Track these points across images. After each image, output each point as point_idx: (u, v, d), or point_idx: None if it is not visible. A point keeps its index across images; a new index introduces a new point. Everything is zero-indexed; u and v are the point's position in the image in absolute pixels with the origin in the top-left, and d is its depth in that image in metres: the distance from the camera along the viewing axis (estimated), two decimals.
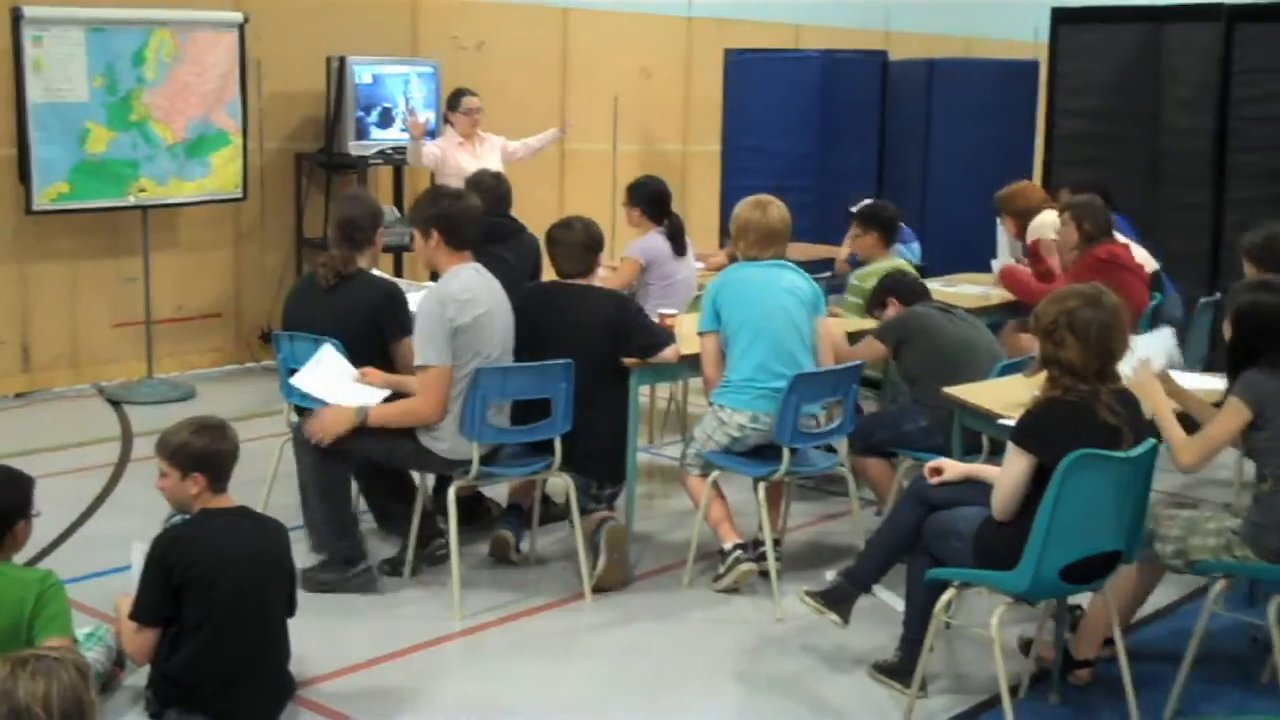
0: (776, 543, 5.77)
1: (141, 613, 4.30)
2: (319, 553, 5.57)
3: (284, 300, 6.49)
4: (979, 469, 4.72)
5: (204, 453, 4.36)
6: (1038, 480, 4.24)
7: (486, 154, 9.27)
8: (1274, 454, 4.50)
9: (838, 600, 4.96)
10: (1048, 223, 7.67)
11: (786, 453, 5.46)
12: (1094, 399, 4.25)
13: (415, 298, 5.85)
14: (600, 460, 5.73)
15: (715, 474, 5.65)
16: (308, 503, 5.57)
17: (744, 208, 5.92)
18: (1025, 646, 4.93)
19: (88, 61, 8.39)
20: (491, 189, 6.96)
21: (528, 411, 5.55)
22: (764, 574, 5.62)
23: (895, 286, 6.49)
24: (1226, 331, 4.70)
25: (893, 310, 6.34)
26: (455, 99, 9.28)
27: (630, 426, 5.85)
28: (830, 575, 5.32)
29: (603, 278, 7.20)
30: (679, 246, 7.60)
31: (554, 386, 5.46)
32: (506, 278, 6.28)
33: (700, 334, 5.82)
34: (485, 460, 5.42)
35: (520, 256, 6.75)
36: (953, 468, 4.75)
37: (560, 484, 5.75)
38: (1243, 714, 4.62)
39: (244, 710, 4.30)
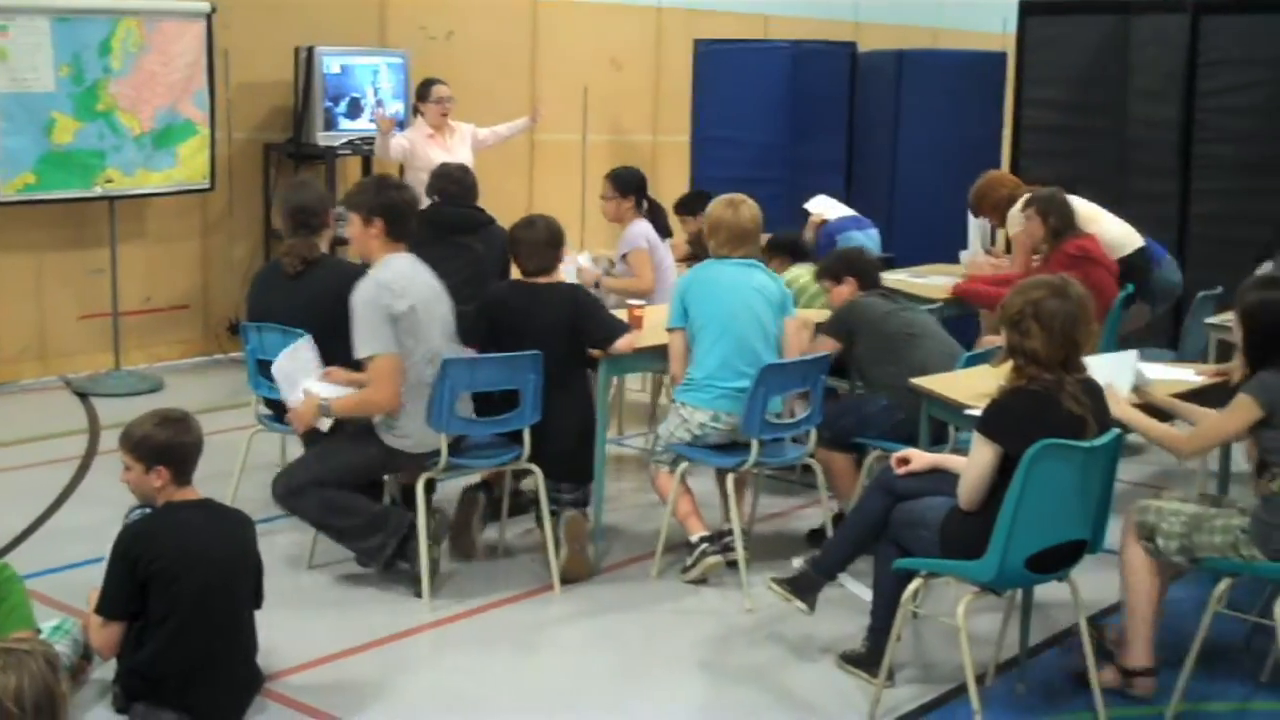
0: (744, 534, 5.79)
1: (106, 607, 4.29)
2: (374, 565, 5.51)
3: (248, 291, 6.45)
4: (946, 459, 4.75)
5: (167, 445, 4.34)
6: (1003, 470, 4.26)
7: (456, 145, 9.24)
8: None
9: (804, 588, 4.98)
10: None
11: (755, 444, 5.47)
12: (1058, 389, 4.27)
13: None
14: (562, 461, 5.71)
15: (683, 466, 5.66)
16: (339, 537, 5.47)
17: (716, 206, 5.94)
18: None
19: (54, 51, 8.33)
20: (459, 180, 6.95)
21: (490, 403, 5.54)
22: (732, 565, 5.64)
23: (858, 266, 6.38)
24: (1235, 329, 4.69)
25: (848, 290, 6.25)
26: (425, 88, 9.25)
27: (600, 420, 5.85)
28: (797, 563, 5.34)
29: (624, 284, 7.23)
30: (663, 230, 7.63)
31: (522, 377, 5.46)
32: (477, 268, 6.28)
33: (669, 330, 5.83)
34: (450, 451, 5.41)
35: (490, 247, 6.75)
36: (920, 458, 4.78)
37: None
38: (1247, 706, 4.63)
39: (211, 704, 4.29)
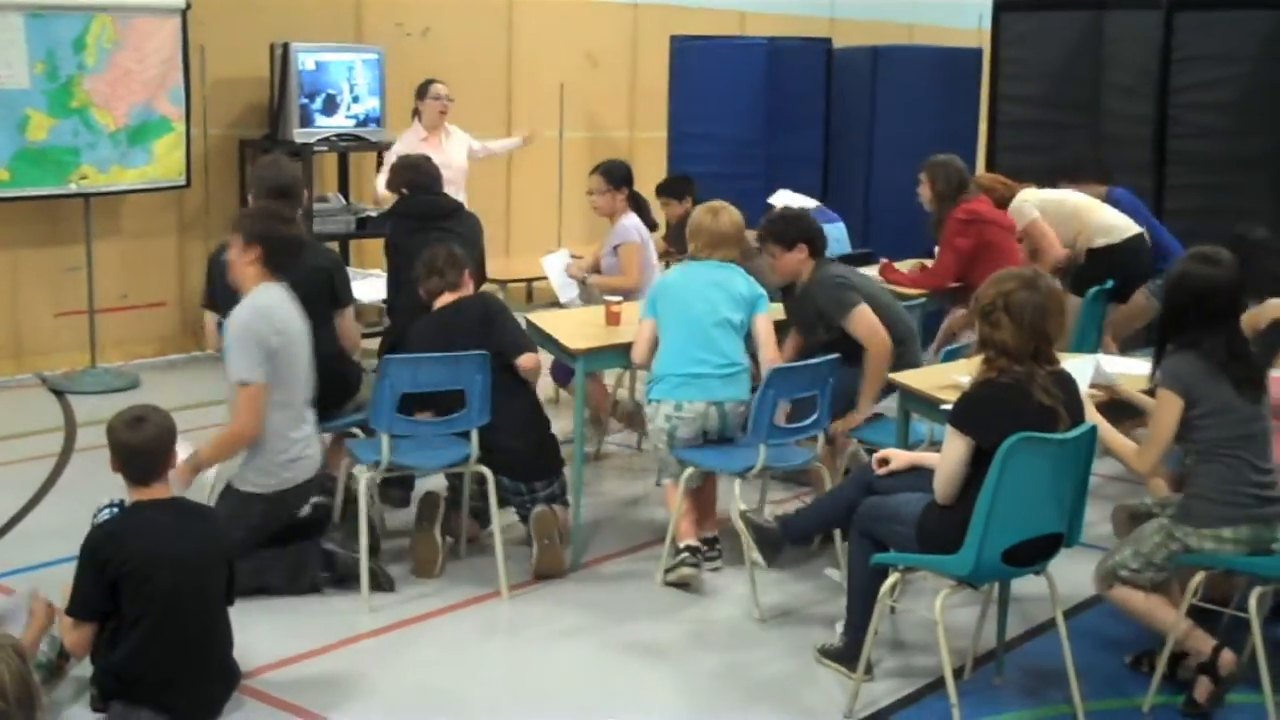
0: (715, 541, 5.84)
1: (77, 608, 4.29)
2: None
3: (213, 278, 6.24)
4: (924, 457, 4.76)
5: (119, 446, 4.34)
6: (978, 463, 4.28)
7: (451, 149, 9.28)
8: (1200, 429, 4.53)
9: (768, 542, 5.08)
10: (1029, 201, 7.72)
11: (762, 449, 5.46)
12: (1029, 380, 4.30)
13: (362, 286, 5.83)
14: (519, 461, 5.72)
15: (687, 473, 5.63)
16: (279, 592, 5.37)
17: (699, 211, 6.03)
18: (1139, 662, 4.87)
19: (27, 48, 8.29)
20: (423, 169, 6.97)
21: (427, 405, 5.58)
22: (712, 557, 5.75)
23: (810, 230, 6.14)
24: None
25: (799, 257, 6.04)
26: (424, 87, 9.33)
27: (577, 417, 5.84)
28: (771, 515, 5.37)
29: (610, 282, 7.22)
30: (649, 224, 7.67)
31: (468, 378, 5.42)
32: (469, 253, 6.27)
33: (640, 320, 5.88)
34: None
35: (468, 229, 6.75)
36: (899, 457, 4.80)
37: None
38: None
39: (188, 702, 4.29)
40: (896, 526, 4.55)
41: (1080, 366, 5.11)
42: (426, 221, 6.64)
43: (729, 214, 5.94)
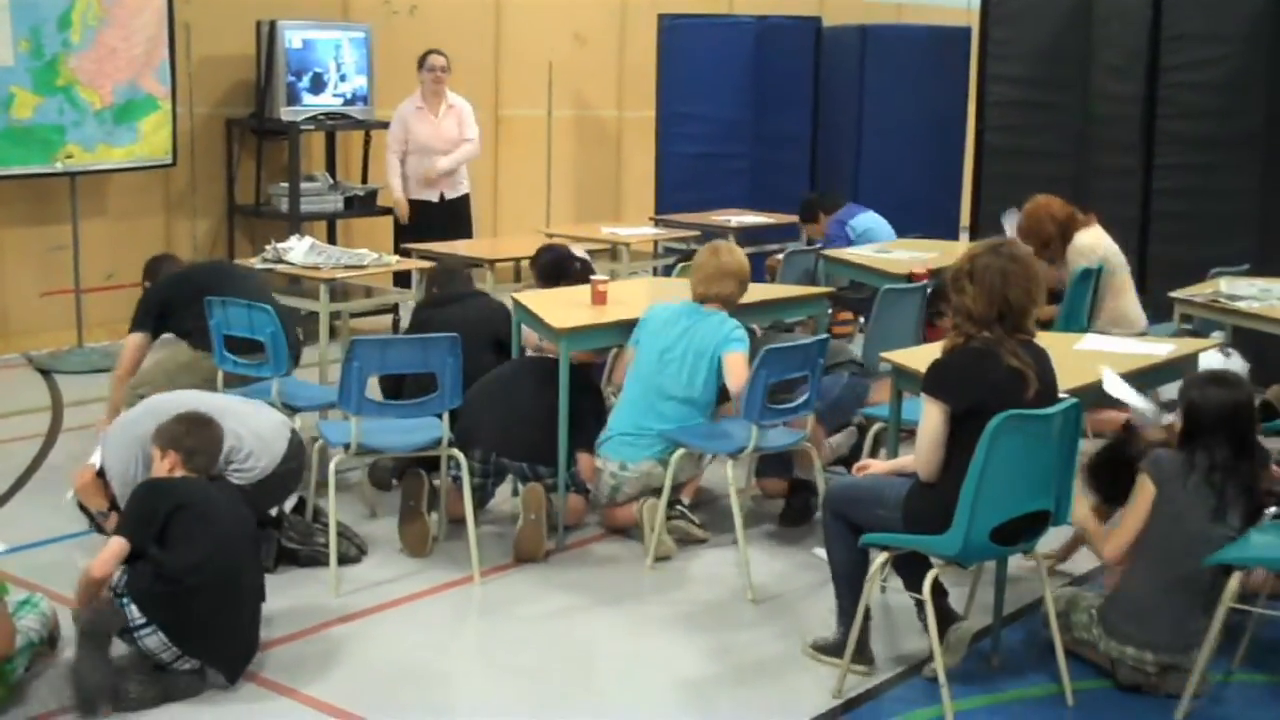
0: (682, 506, 5.90)
1: (128, 528, 4.38)
2: None
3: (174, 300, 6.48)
4: (903, 463, 4.74)
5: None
6: (956, 438, 4.29)
7: (444, 122, 9.37)
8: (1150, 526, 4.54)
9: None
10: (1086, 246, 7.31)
11: (754, 430, 5.45)
12: (997, 344, 4.31)
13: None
14: (512, 439, 5.82)
15: (678, 454, 5.60)
16: None
17: (702, 250, 6.05)
18: None
19: (12, 26, 8.26)
20: (448, 281, 6.79)
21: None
22: (697, 541, 5.78)
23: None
24: (1178, 423, 4.67)
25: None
26: (422, 58, 9.43)
27: (562, 401, 5.81)
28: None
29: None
30: None
31: (439, 360, 5.39)
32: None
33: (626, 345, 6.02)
34: None
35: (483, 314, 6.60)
36: (878, 467, 4.83)
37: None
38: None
39: (220, 652, 4.41)
40: (879, 510, 4.51)
41: (1088, 345, 5.22)
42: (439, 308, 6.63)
43: (731, 254, 5.92)
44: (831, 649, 4.73)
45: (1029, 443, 4.25)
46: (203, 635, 4.35)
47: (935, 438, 4.35)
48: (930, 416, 4.35)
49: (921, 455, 4.40)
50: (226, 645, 4.43)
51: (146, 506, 4.42)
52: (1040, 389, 4.33)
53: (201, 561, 4.32)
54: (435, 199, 9.43)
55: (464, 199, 9.59)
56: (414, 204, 9.41)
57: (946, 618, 4.51)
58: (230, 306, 5.98)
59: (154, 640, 4.30)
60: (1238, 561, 4.30)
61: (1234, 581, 4.28)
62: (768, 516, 6.17)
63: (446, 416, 5.44)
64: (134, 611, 4.29)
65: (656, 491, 5.67)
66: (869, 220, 9.03)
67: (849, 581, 4.61)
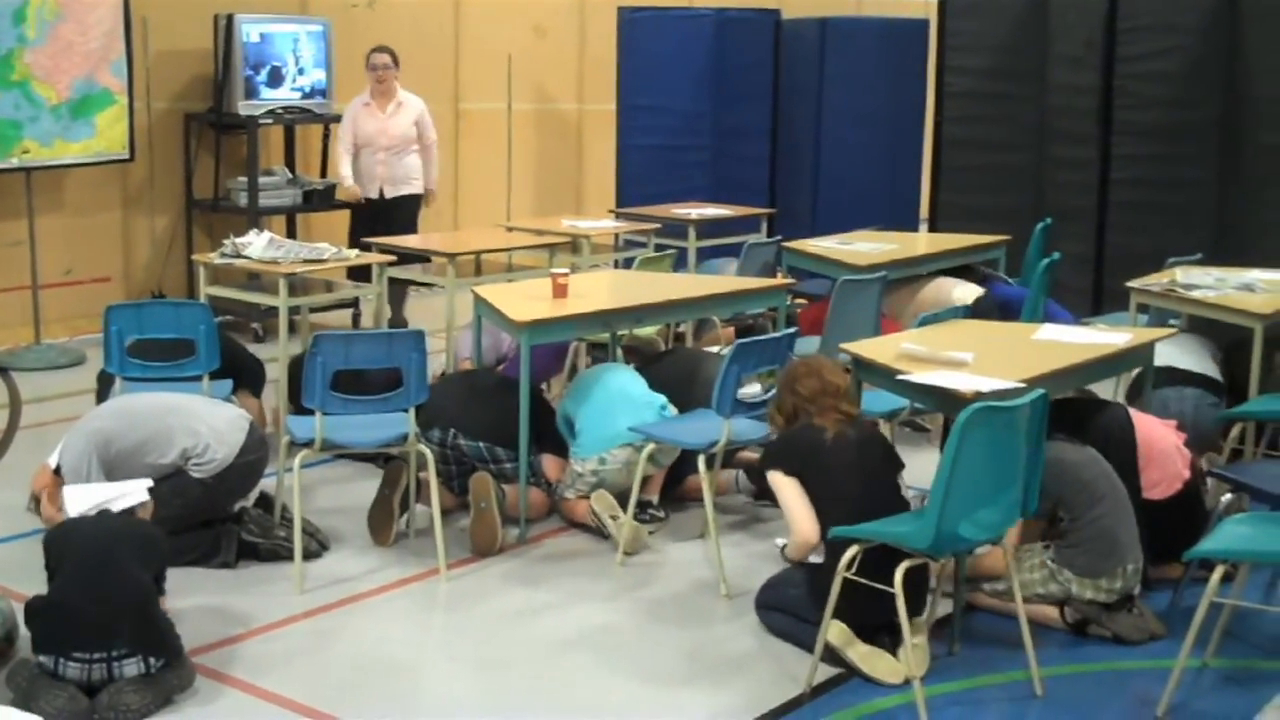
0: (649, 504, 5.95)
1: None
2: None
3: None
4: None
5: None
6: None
7: (391, 119, 9.30)
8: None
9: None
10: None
11: (725, 425, 5.46)
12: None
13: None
14: (472, 422, 5.87)
15: (648, 449, 5.63)
16: (192, 564, 5.37)
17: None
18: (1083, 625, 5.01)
19: None
20: None
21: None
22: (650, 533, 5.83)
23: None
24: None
25: None
26: (367, 56, 9.36)
27: (524, 395, 5.79)
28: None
29: None
30: None
31: (404, 356, 5.36)
32: None
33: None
34: None
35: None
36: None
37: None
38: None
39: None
40: (790, 590, 4.81)
41: (1045, 335, 5.47)
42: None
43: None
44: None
45: (996, 435, 4.28)
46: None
47: (800, 501, 4.71)
48: (785, 487, 4.74)
49: (796, 524, 4.72)
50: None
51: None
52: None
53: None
54: (375, 195, 9.37)
55: (411, 199, 9.48)
56: (361, 201, 9.39)
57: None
58: (147, 308, 6.03)
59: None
60: (1215, 555, 4.33)
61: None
62: (733, 509, 6.19)
63: (413, 412, 5.42)
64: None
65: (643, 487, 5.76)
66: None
67: (807, 617, 4.71)
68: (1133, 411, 5.41)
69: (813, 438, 4.76)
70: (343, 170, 9.33)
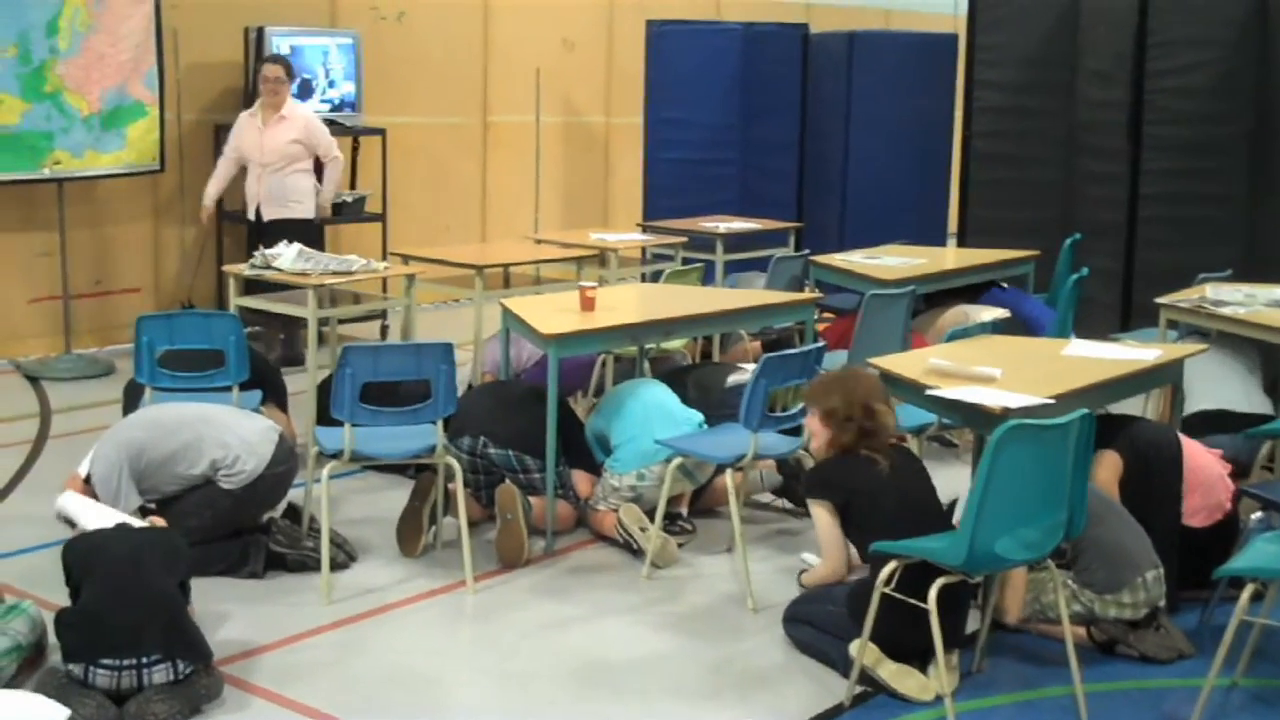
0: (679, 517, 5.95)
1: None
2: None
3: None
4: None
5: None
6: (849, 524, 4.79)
7: (270, 134, 8.61)
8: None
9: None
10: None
11: (753, 440, 5.44)
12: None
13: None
14: (504, 431, 5.87)
15: (676, 462, 5.62)
16: (221, 575, 5.39)
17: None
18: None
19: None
20: None
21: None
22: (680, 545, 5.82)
23: None
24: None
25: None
26: (259, 65, 8.84)
27: (551, 405, 5.80)
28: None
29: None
30: None
31: (433, 368, 5.36)
32: None
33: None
34: None
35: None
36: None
37: None
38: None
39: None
40: (829, 606, 4.78)
41: (1074, 351, 5.54)
42: None
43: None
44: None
45: (1039, 452, 4.24)
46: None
47: (833, 530, 4.83)
48: (820, 515, 4.84)
49: (828, 550, 4.88)
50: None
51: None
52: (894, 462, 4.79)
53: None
54: (251, 215, 8.77)
55: (293, 225, 8.39)
56: (240, 218, 8.96)
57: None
58: (177, 319, 6.04)
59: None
60: (1245, 573, 4.30)
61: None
62: (760, 520, 6.18)
63: (441, 424, 5.42)
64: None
65: (672, 500, 5.78)
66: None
67: (841, 634, 4.67)
68: (1182, 436, 5.37)
69: (867, 472, 4.76)
70: (210, 185, 8.85)
